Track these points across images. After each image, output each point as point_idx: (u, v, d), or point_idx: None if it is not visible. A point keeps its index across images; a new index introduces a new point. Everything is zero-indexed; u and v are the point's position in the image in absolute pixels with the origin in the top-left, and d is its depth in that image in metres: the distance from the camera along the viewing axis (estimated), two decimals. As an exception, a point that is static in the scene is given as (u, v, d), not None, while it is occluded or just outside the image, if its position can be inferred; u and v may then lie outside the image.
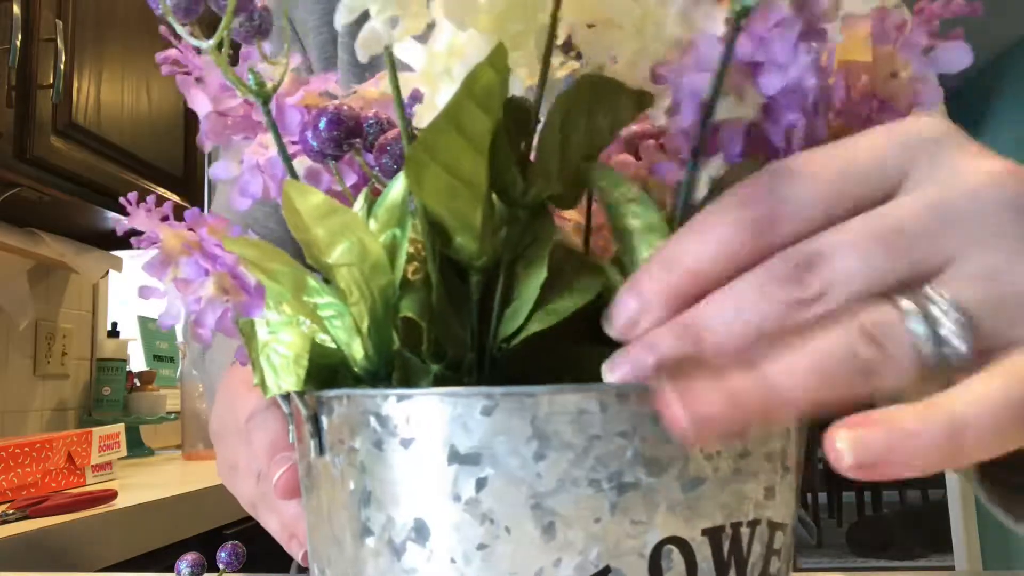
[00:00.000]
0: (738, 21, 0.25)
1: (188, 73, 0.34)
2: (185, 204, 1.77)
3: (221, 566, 0.44)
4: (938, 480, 4.33)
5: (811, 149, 0.25)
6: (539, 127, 0.28)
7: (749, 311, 0.22)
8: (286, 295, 0.28)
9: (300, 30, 0.78)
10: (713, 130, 0.27)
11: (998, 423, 0.20)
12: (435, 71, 0.26)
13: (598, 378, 0.27)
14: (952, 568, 3.78)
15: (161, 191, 1.69)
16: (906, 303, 0.21)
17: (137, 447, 1.82)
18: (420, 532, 0.24)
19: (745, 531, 0.25)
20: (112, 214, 1.56)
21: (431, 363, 0.28)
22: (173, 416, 1.91)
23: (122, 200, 0.35)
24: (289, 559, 0.81)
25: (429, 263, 0.28)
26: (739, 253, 0.23)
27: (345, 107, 0.32)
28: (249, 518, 1.45)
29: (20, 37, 1.29)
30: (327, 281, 0.28)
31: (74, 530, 0.99)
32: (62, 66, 1.36)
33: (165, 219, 0.36)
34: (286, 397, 0.31)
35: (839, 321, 0.21)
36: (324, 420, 0.27)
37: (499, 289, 0.29)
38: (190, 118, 1.82)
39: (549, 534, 0.23)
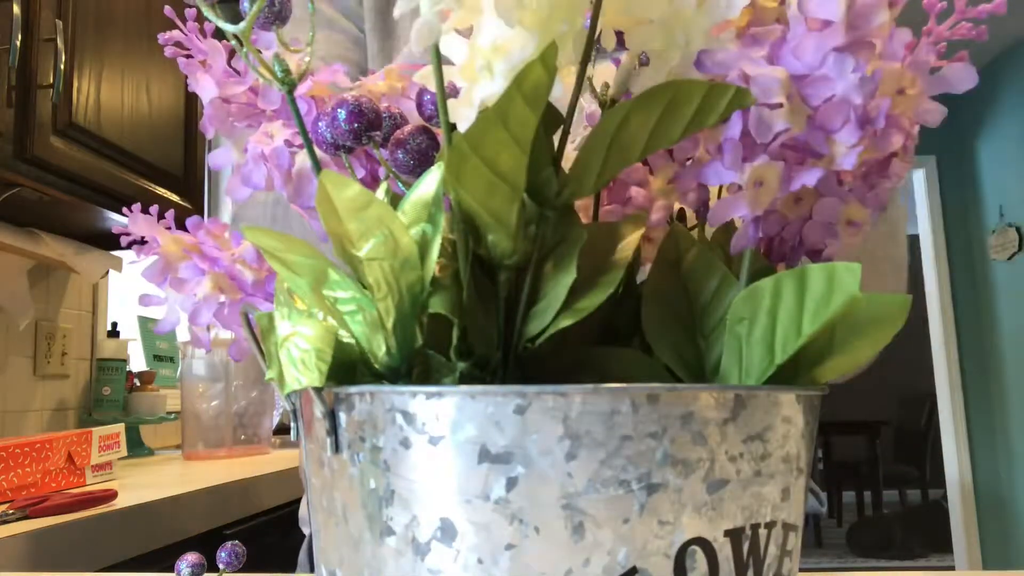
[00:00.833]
0: None
1: (190, 56, 0.33)
2: (185, 204, 1.77)
3: (221, 566, 0.44)
4: (938, 480, 4.33)
5: None
6: (573, 128, 0.29)
7: None
8: (305, 288, 0.28)
9: None
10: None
11: None
12: (476, 66, 0.26)
13: (612, 378, 0.28)
14: (952, 568, 3.78)
15: (161, 191, 1.69)
16: None
17: (137, 447, 1.82)
18: (447, 532, 0.24)
19: (763, 532, 0.26)
20: (112, 214, 1.56)
21: (458, 361, 0.28)
22: (173, 416, 1.91)
23: (125, 211, 0.35)
24: (288, 559, 0.81)
25: (461, 260, 0.28)
26: None
27: (365, 99, 0.31)
28: (249, 518, 1.44)
29: (20, 37, 1.29)
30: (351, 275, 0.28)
31: (74, 530, 0.98)
32: (62, 66, 1.36)
33: (168, 228, 0.36)
34: (290, 393, 0.31)
35: None
36: (342, 417, 0.26)
37: (526, 288, 0.29)
38: (190, 118, 1.82)
39: (578, 534, 0.23)
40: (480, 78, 0.27)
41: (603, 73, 0.31)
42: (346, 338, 0.28)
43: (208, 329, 0.36)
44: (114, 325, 1.99)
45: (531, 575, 0.23)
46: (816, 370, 0.28)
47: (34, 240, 1.60)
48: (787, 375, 0.28)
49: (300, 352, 0.26)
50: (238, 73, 0.34)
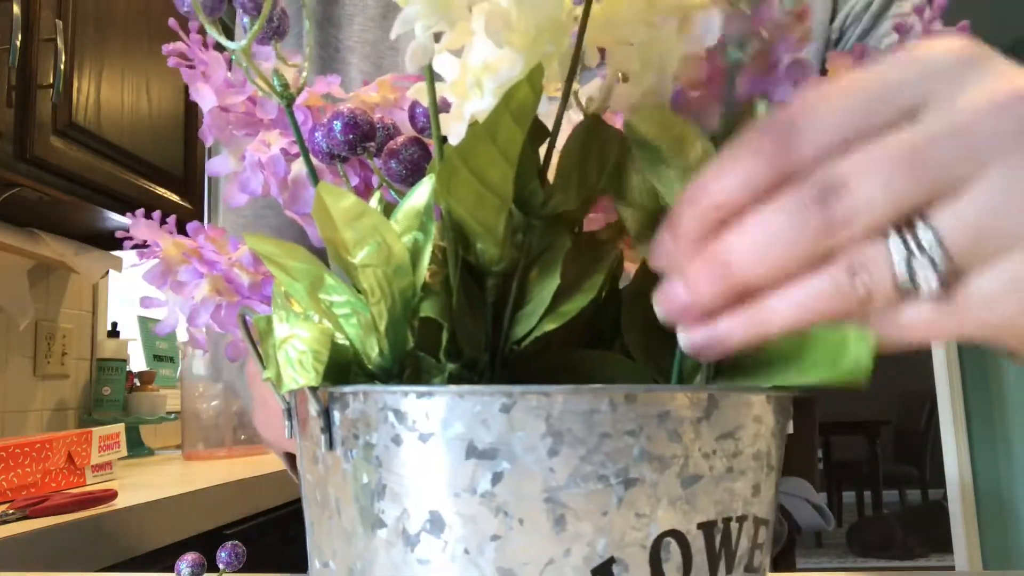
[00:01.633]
0: (732, 70, 0.28)
1: (192, 67, 0.34)
2: (185, 204, 1.77)
3: (221, 566, 0.44)
4: (938, 480, 4.33)
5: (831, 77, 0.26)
6: (557, 143, 0.31)
7: (776, 237, 0.22)
8: (301, 292, 0.29)
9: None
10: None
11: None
12: (467, 83, 0.28)
13: (594, 379, 0.30)
14: (952, 568, 3.78)
15: (161, 191, 1.69)
16: (894, 238, 0.22)
17: (137, 447, 1.82)
18: (435, 524, 0.25)
19: (734, 526, 0.27)
20: (112, 214, 1.56)
21: (447, 362, 0.29)
22: (173, 416, 1.91)
23: (128, 215, 0.36)
24: (289, 559, 0.81)
25: (450, 266, 0.29)
26: (761, 181, 0.22)
27: (360, 111, 0.33)
28: (249, 518, 1.44)
29: (20, 37, 1.29)
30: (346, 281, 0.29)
31: (74, 530, 0.99)
32: (62, 66, 1.36)
33: (170, 232, 0.36)
34: (284, 393, 0.31)
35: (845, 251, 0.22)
36: (336, 415, 0.27)
37: (512, 293, 0.30)
38: (190, 118, 1.82)
39: (560, 526, 0.25)
40: (470, 95, 0.28)
41: (590, 86, 0.33)
42: (341, 340, 0.29)
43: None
44: (114, 325, 1.99)
45: (515, 565, 0.25)
46: (786, 374, 0.28)
47: (34, 240, 1.60)
48: (758, 375, 0.29)
49: (297, 353, 0.27)
50: (235, 83, 0.35)
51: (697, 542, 0.26)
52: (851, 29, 0.68)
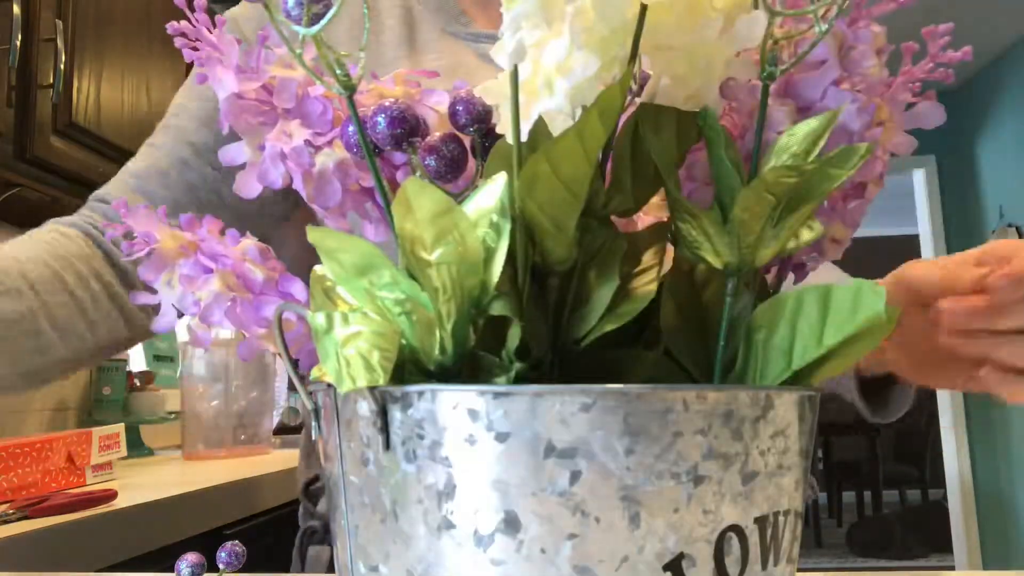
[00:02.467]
0: (766, 83, 0.30)
1: (196, 49, 0.33)
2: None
3: (221, 566, 0.44)
4: (938, 480, 4.32)
5: None
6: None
7: None
8: (359, 289, 0.29)
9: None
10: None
11: None
12: (537, 83, 0.29)
13: (636, 379, 0.31)
14: (952, 568, 3.78)
15: (161, 191, 1.69)
16: None
17: (137, 447, 1.82)
18: (510, 523, 0.25)
19: (781, 520, 0.28)
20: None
21: (516, 361, 0.29)
22: (173, 416, 1.91)
23: (114, 204, 0.35)
24: (288, 559, 0.81)
25: (520, 266, 0.30)
26: None
27: (405, 105, 0.32)
28: (249, 518, 1.44)
29: (20, 37, 1.28)
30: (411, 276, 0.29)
31: (74, 530, 0.98)
32: (62, 66, 1.36)
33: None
34: (312, 392, 0.31)
35: None
36: (396, 415, 0.27)
37: (572, 293, 0.31)
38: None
39: (635, 523, 0.25)
40: (541, 94, 0.29)
41: None
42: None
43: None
44: (114, 325, 1.99)
45: (591, 563, 0.25)
46: (814, 374, 0.30)
47: (34, 240, 1.60)
48: (791, 378, 0.30)
49: (363, 351, 0.27)
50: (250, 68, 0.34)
51: (753, 536, 0.27)
52: None
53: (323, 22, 0.28)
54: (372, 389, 0.27)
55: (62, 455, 1.22)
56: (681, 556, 0.26)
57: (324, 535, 0.79)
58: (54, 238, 0.66)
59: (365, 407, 0.28)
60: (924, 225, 3.89)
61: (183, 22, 0.33)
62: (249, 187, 0.35)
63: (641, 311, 0.32)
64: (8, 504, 1.04)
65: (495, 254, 0.28)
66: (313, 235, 0.29)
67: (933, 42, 0.34)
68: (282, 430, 2.10)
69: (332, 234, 0.29)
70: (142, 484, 1.31)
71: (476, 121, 0.33)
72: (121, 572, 0.93)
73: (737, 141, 0.33)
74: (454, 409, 0.26)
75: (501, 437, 0.26)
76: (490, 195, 0.29)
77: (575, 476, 0.25)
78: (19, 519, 0.98)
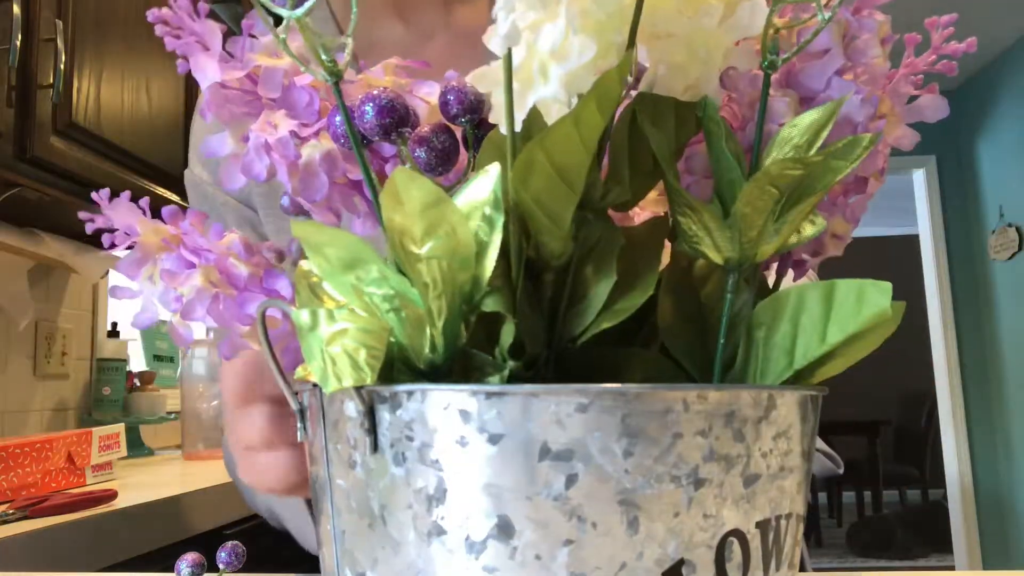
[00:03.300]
0: (767, 73, 0.29)
1: (178, 37, 0.32)
2: (185, 204, 1.77)
3: (221, 566, 0.44)
4: (938, 480, 4.32)
5: None
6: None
7: None
8: (345, 284, 0.27)
9: None
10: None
11: None
12: (531, 69, 0.27)
13: (634, 378, 0.29)
14: (952, 568, 3.78)
15: (161, 191, 1.69)
16: None
17: (137, 447, 1.82)
18: (504, 529, 0.24)
19: (783, 523, 0.27)
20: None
21: (510, 360, 0.28)
22: (173, 416, 1.91)
23: (95, 196, 0.33)
24: (288, 559, 0.81)
25: (514, 261, 0.29)
26: None
27: (394, 94, 0.31)
28: (249, 518, 1.44)
29: (20, 37, 1.28)
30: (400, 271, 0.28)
31: (74, 530, 0.98)
32: (62, 66, 1.36)
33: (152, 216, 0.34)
34: (296, 393, 0.30)
35: None
36: (385, 416, 0.26)
37: (567, 289, 0.30)
38: (190, 118, 1.82)
39: (633, 528, 0.24)
40: (535, 81, 0.27)
41: None
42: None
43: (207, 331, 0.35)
44: (114, 325, 1.99)
45: (588, 569, 0.24)
46: (816, 372, 0.30)
47: (34, 240, 1.60)
48: (793, 377, 0.29)
49: (350, 349, 0.26)
50: (233, 57, 0.33)
51: (755, 541, 0.26)
52: None
53: (308, 5, 0.27)
54: (359, 389, 0.26)
55: (62, 455, 1.22)
56: (681, 562, 0.25)
57: None
58: None
59: (352, 408, 0.27)
60: (924, 225, 3.89)
61: (164, 9, 0.32)
62: (232, 179, 0.33)
63: (638, 308, 0.31)
64: (8, 504, 1.04)
65: (488, 248, 0.27)
66: (297, 229, 0.28)
67: (936, 33, 0.33)
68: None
69: (317, 228, 0.28)
70: (142, 484, 1.31)
71: (468, 111, 0.32)
72: (121, 572, 0.93)
73: (737, 133, 0.32)
74: (445, 410, 0.25)
75: (494, 439, 0.24)
76: (483, 186, 0.28)
77: (571, 479, 0.24)
78: (19, 519, 0.98)
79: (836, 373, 0.30)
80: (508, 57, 0.28)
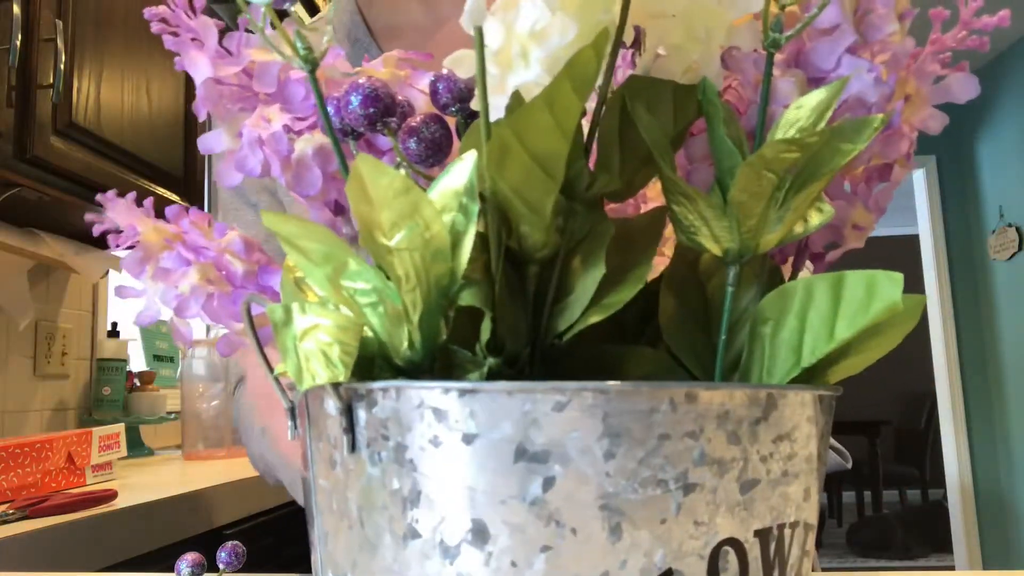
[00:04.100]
0: (770, 52, 0.27)
1: (176, 34, 0.32)
2: (185, 204, 1.77)
3: (221, 566, 0.44)
4: (938, 480, 4.32)
5: None
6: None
7: None
8: (322, 278, 0.26)
9: None
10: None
11: None
12: (511, 52, 0.26)
13: (629, 376, 0.28)
14: (952, 568, 3.78)
15: (161, 191, 1.69)
16: None
17: (137, 447, 1.82)
18: (479, 534, 0.23)
19: (787, 532, 0.26)
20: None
21: (488, 356, 0.27)
22: (173, 416, 1.91)
23: (99, 197, 0.33)
24: (288, 559, 0.81)
25: (492, 252, 0.27)
26: None
27: (380, 83, 0.30)
28: (249, 518, 1.44)
29: (20, 37, 1.28)
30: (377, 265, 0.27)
31: (74, 530, 0.98)
32: (62, 66, 1.36)
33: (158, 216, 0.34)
34: (282, 388, 0.29)
35: None
36: (362, 414, 0.25)
37: (553, 282, 0.28)
38: (190, 118, 1.82)
39: (616, 535, 0.23)
40: (515, 65, 0.26)
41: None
42: (364, 331, 0.27)
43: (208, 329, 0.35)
44: (114, 325, 1.99)
45: None
46: (830, 371, 0.28)
47: (34, 240, 1.60)
48: (804, 376, 0.28)
49: (322, 345, 0.25)
50: (229, 53, 0.33)
51: (754, 550, 0.24)
52: None
53: None
54: (336, 386, 0.25)
55: (62, 455, 1.22)
56: (670, 572, 0.23)
57: None
58: None
59: (332, 406, 0.26)
60: (924, 225, 3.89)
61: (161, 7, 0.31)
62: (228, 176, 0.33)
63: (644, 305, 0.30)
64: (8, 504, 1.04)
65: (463, 238, 0.26)
66: (269, 220, 0.27)
67: (965, 6, 0.31)
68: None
69: (290, 220, 0.27)
70: (142, 484, 1.31)
71: (458, 100, 0.30)
72: (121, 572, 0.93)
73: (743, 117, 0.30)
74: (418, 408, 0.24)
75: (468, 439, 0.23)
76: (459, 174, 0.26)
77: (548, 482, 0.23)
78: (19, 519, 0.98)
79: (853, 372, 0.28)
80: (479, 35, 0.26)
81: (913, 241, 3.94)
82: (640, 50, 0.29)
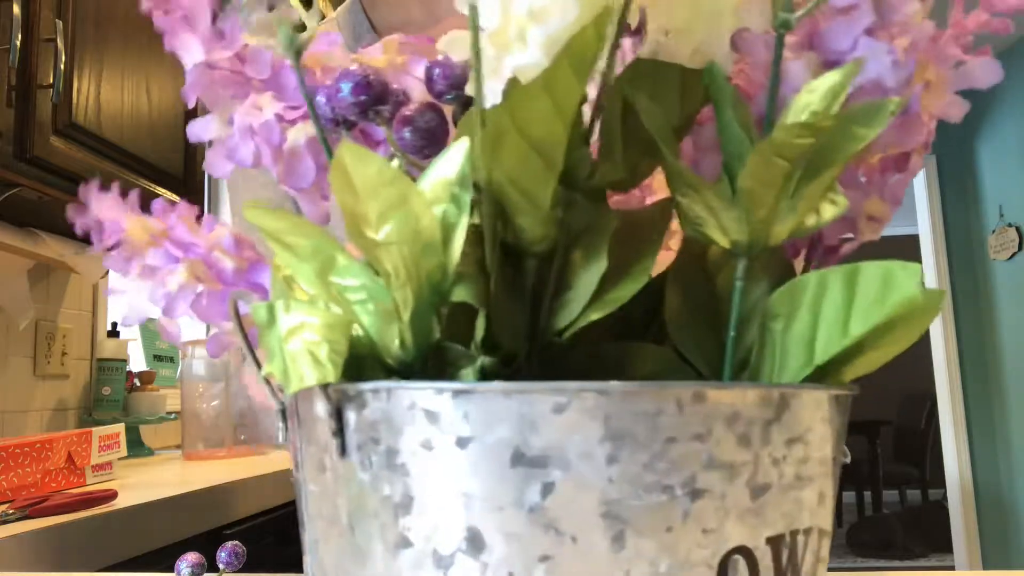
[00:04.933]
0: (780, 33, 0.26)
1: (167, 12, 0.30)
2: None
3: (221, 566, 0.44)
4: (938, 480, 4.32)
5: None
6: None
7: None
8: (310, 274, 0.25)
9: None
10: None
11: None
12: (509, 34, 0.24)
13: (635, 375, 0.27)
14: (952, 568, 3.78)
15: (161, 191, 1.69)
16: None
17: (137, 447, 1.82)
18: (474, 543, 0.22)
19: (801, 539, 0.24)
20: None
21: (483, 356, 0.25)
22: (173, 416, 1.91)
23: (80, 191, 0.32)
24: (288, 559, 0.81)
25: (487, 245, 0.26)
26: None
27: (371, 70, 0.29)
28: (249, 518, 1.44)
29: (20, 37, 1.28)
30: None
31: (74, 530, 0.98)
32: (62, 66, 1.36)
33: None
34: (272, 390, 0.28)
35: None
36: (351, 416, 0.24)
37: (552, 277, 0.27)
38: (190, 118, 1.82)
39: (619, 544, 0.22)
40: (513, 47, 0.24)
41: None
42: (355, 330, 0.26)
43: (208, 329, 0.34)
44: (114, 325, 1.99)
45: None
46: (845, 369, 0.27)
47: (34, 240, 1.60)
48: (817, 374, 0.26)
49: (309, 345, 0.24)
50: (223, 36, 0.31)
51: (765, 559, 0.23)
52: None
53: None
54: (325, 387, 0.24)
55: (62, 455, 1.22)
56: None
57: None
58: None
59: (321, 408, 0.24)
60: (924, 225, 3.89)
61: None
62: (218, 166, 0.31)
63: (651, 300, 0.29)
64: (8, 504, 1.04)
65: (455, 231, 0.24)
66: (250, 214, 0.25)
67: None
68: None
69: (275, 214, 0.25)
70: (142, 484, 1.31)
71: (455, 87, 0.29)
72: (121, 572, 0.93)
73: (752, 102, 0.29)
74: (409, 410, 0.22)
75: (462, 442, 0.22)
76: (450, 163, 0.25)
77: (547, 488, 0.22)
78: (19, 519, 0.98)
79: (869, 370, 0.26)
80: (473, 13, 0.24)
81: (913, 241, 3.94)
82: (644, 33, 0.28)
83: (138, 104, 1.63)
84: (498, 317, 0.26)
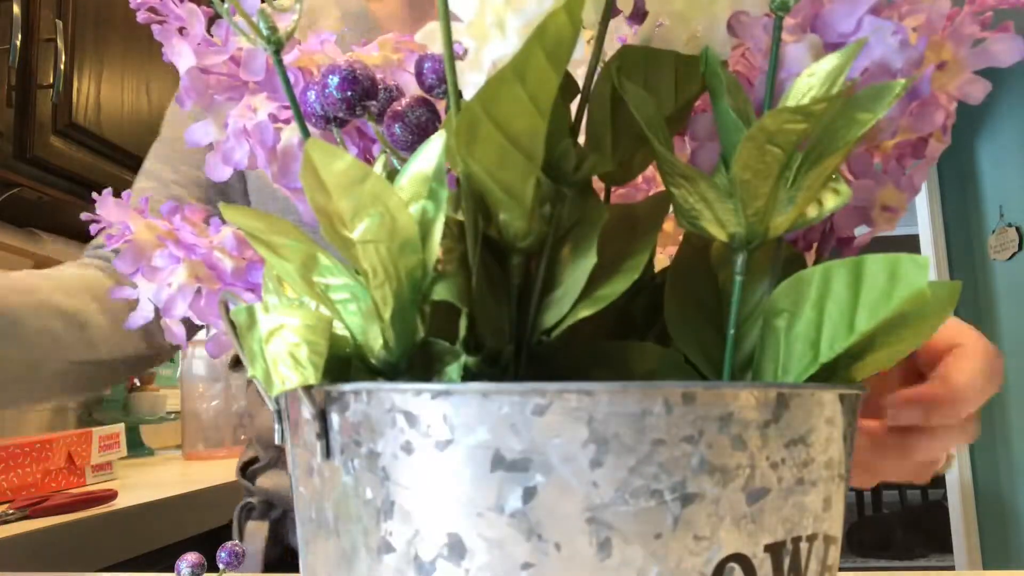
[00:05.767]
0: (778, 16, 0.25)
1: (163, 22, 0.30)
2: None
3: (221, 566, 0.44)
4: (938, 480, 4.32)
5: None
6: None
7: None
8: (292, 274, 0.25)
9: None
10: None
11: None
12: (486, 23, 0.24)
13: (631, 374, 0.26)
14: (952, 568, 3.78)
15: (161, 191, 1.69)
16: None
17: (137, 447, 1.82)
18: (454, 549, 0.21)
19: (804, 546, 0.23)
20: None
21: (466, 356, 0.25)
22: (173, 416, 1.91)
23: (94, 195, 0.33)
24: (288, 559, 0.81)
25: (469, 241, 0.25)
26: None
27: (359, 65, 0.28)
28: (249, 518, 1.41)
29: (20, 37, 1.28)
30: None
31: (74, 530, 0.98)
32: (62, 66, 1.36)
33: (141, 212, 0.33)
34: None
35: None
36: (335, 418, 0.23)
37: (540, 274, 0.26)
38: (190, 118, 1.82)
39: (604, 551, 0.21)
40: (491, 36, 0.24)
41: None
42: (339, 330, 0.25)
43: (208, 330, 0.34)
44: (114, 325, 1.99)
45: None
46: (854, 367, 0.26)
47: (34, 240, 1.60)
48: (824, 372, 0.25)
49: (290, 346, 0.23)
50: (216, 42, 0.31)
51: (764, 567, 0.22)
52: None
53: None
54: (308, 389, 0.23)
55: (62, 455, 1.22)
56: None
57: (263, 511, 0.83)
58: (74, 271, 0.74)
59: (306, 410, 0.24)
60: (924, 225, 3.89)
61: None
62: (216, 169, 0.31)
63: (653, 297, 0.28)
64: (8, 504, 1.04)
65: (433, 227, 0.24)
66: (229, 214, 0.25)
67: None
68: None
69: (254, 214, 0.25)
70: (142, 484, 1.31)
71: (445, 80, 0.28)
72: (121, 572, 0.93)
73: (752, 89, 0.28)
74: (388, 412, 0.22)
75: (441, 445, 0.21)
76: (427, 157, 0.24)
77: (529, 493, 0.21)
78: (19, 519, 0.98)
79: (881, 368, 0.25)
80: (444, 3, 0.23)
81: (913, 241, 3.94)
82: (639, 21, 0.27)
83: (138, 104, 1.63)
84: (482, 315, 0.25)
